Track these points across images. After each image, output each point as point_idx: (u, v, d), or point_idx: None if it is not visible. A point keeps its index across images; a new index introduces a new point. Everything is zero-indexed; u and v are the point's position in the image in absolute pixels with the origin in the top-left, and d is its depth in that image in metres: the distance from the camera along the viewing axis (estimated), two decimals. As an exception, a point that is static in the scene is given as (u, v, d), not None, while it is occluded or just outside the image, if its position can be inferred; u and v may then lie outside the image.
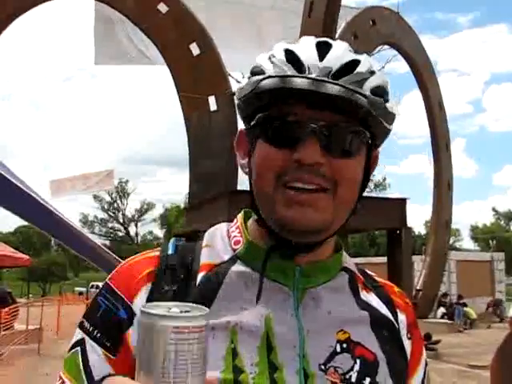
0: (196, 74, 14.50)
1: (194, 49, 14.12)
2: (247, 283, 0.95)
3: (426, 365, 1.08)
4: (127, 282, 0.96)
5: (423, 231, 51.75)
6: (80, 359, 0.93)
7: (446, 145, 19.87)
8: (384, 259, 14.49)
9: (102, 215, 72.11)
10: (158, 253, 1.01)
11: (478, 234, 64.69)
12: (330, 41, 0.96)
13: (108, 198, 69.99)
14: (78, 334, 0.96)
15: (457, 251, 31.68)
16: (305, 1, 14.04)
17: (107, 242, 65.88)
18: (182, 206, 59.28)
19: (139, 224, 73.09)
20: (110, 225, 73.42)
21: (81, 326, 0.96)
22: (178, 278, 0.95)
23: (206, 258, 0.99)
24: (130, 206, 78.98)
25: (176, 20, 13.79)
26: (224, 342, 0.89)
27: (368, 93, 0.91)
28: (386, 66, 29.07)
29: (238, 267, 0.97)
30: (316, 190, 0.90)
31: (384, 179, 48.21)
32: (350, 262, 1.06)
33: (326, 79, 0.88)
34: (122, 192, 70.20)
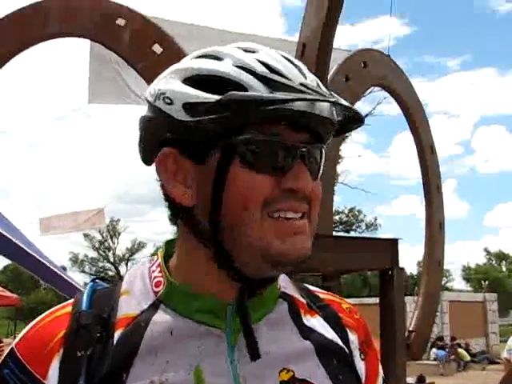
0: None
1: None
2: (172, 331, 0.84)
3: (384, 381, 1.01)
4: (37, 353, 0.83)
5: (415, 271, 51.60)
6: None
7: (437, 187, 19.96)
8: (377, 300, 14.38)
9: (92, 254, 71.59)
10: (70, 308, 0.88)
11: (471, 275, 64.58)
12: (290, 57, 0.87)
13: (99, 237, 69.61)
14: None
15: (449, 291, 31.50)
16: (298, 42, 14.28)
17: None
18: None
19: (130, 263, 72.43)
20: (100, 264, 72.70)
21: None
22: (92, 340, 0.83)
23: (124, 309, 0.87)
24: (121, 246, 78.58)
25: (171, 61, 13.91)
26: None
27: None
28: (376, 108, 29.61)
29: (160, 314, 0.86)
30: (301, 217, 0.85)
31: (375, 219, 48.27)
32: (286, 283, 0.97)
33: (327, 99, 0.81)
34: (113, 231, 69.74)
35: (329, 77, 15.45)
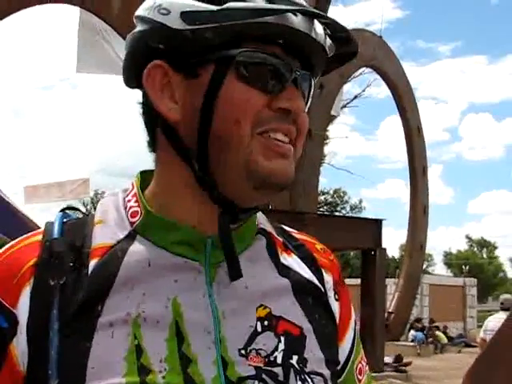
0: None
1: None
2: (150, 261, 0.81)
3: (356, 324, 1.00)
4: (6, 282, 0.79)
5: (397, 255, 52.04)
6: None
7: (423, 169, 20.09)
8: (358, 281, 14.51)
9: (76, 226, 71.36)
10: (40, 237, 0.84)
11: (452, 260, 65.34)
12: None
13: (83, 209, 69.19)
14: None
15: (430, 275, 31.88)
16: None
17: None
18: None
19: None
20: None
21: None
22: (65, 268, 0.80)
23: (98, 238, 0.83)
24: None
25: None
26: (125, 340, 0.76)
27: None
28: (366, 90, 29.55)
29: (137, 245, 0.82)
30: (289, 142, 0.83)
31: (360, 202, 48.44)
32: (263, 220, 0.95)
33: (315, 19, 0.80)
34: (97, 203, 69.56)
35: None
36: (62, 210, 0.91)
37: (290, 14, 0.78)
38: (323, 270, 0.96)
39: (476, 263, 60.64)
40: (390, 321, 18.74)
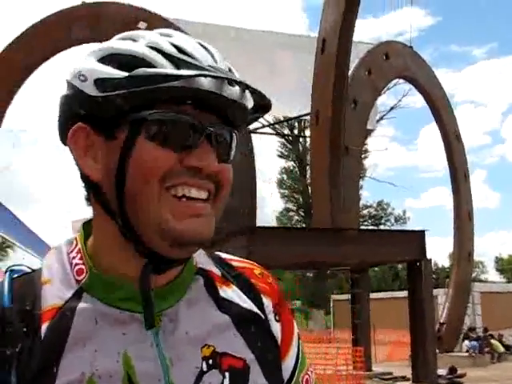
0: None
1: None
2: (97, 320, 0.84)
3: (299, 338, 1.04)
4: None
5: (446, 264, 51.06)
6: None
7: (464, 176, 19.83)
8: (406, 293, 14.35)
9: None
10: None
11: (504, 265, 63.64)
12: (203, 43, 0.89)
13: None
14: None
15: (481, 283, 31.16)
16: (317, 38, 14.31)
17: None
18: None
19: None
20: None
21: None
22: (19, 335, 0.82)
23: (47, 299, 0.86)
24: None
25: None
26: None
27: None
28: (402, 100, 29.34)
29: (84, 303, 0.85)
30: (204, 200, 0.84)
31: (404, 212, 47.83)
32: (201, 256, 0.98)
33: (233, 82, 0.83)
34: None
35: (351, 72, 15.50)
36: (8, 270, 0.93)
37: (202, 78, 0.80)
38: (262, 296, 0.99)
39: (529, 268, 58.89)
40: (442, 332, 18.42)
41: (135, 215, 0.83)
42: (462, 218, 19.38)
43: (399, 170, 78.36)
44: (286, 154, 43.75)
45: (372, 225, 42.36)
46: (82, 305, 0.85)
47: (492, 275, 62.87)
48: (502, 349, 20.26)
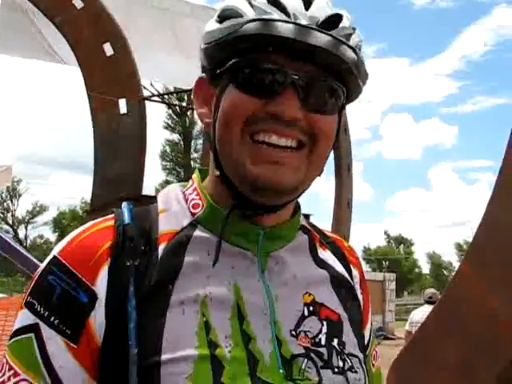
0: (107, 75, 14.10)
1: (108, 49, 13.75)
2: (209, 250, 0.89)
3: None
4: (84, 261, 0.86)
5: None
6: (36, 348, 0.83)
7: (348, 166, 20.50)
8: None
9: (-11, 214, 68.34)
10: (111, 222, 0.92)
11: (371, 255, 67.24)
12: None
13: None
14: (28, 318, 0.85)
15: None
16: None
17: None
18: (79, 209, 57.47)
19: (29, 227, 69.95)
20: (-3, 225, 69.69)
21: (31, 309, 0.85)
22: (138, 251, 0.88)
23: (164, 225, 0.92)
24: (21, 208, 75.49)
25: (91, 16, 13.42)
26: (195, 317, 0.84)
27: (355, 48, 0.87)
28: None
29: (199, 233, 0.91)
30: (289, 148, 0.85)
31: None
32: (302, 220, 1.04)
33: (315, 28, 0.83)
34: (14, 192, 66.91)
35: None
36: (126, 200, 0.97)
37: (279, 24, 0.82)
38: (351, 266, 1.07)
39: (394, 259, 62.69)
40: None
41: (223, 159, 0.89)
42: (342, 205, 20.06)
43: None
44: (172, 125, 43.33)
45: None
46: (196, 233, 0.91)
47: (359, 264, 66.17)
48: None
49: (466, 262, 2.71)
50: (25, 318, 0.86)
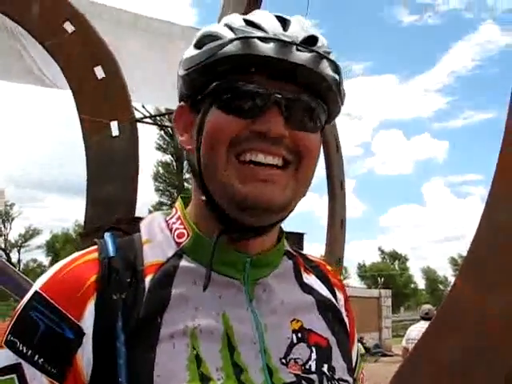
0: (99, 98, 14.10)
1: (99, 72, 13.80)
2: (196, 280, 0.88)
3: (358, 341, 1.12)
4: (69, 296, 0.83)
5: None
6: None
7: (340, 183, 20.51)
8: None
9: (-19, 239, 67.86)
10: (95, 254, 0.89)
11: (366, 272, 67.12)
12: (285, 16, 0.91)
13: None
14: (9, 358, 0.81)
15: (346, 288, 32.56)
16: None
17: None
18: (72, 232, 57.19)
19: (22, 250, 69.47)
20: (-10, 249, 69.18)
21: (12, 348, 0.82)
22: (124, 284, 0.86)
23: (149, 256, 0.90)
24: (14, 231, 74.98)
25: (82, 40, 13.50)
26: (185, 350, 0.83)
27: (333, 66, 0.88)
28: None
29: (185, 263, 0.90)
30: (276, 166, 0.85)
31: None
32: (286, 245, 1.03)
33: (296, 43, 0.84)
34: (7, 216, 66.58)
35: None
36: (108, 230, 0.96)
37: (260, 44, 0.82)
38: (335, 289, 1.07)
39: (389, 275, 62.60)
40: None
41: (210, 183, 0.87)
42: (335, 224, 20.06)
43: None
44: (165, 146, 43.45)
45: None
46: (182, 263, 0.89)
47: (353, 281, 66.11)
48: (363, 350, 21.24)
49: (461, 277, 2.70)
50: (5, 358, 0.82)
